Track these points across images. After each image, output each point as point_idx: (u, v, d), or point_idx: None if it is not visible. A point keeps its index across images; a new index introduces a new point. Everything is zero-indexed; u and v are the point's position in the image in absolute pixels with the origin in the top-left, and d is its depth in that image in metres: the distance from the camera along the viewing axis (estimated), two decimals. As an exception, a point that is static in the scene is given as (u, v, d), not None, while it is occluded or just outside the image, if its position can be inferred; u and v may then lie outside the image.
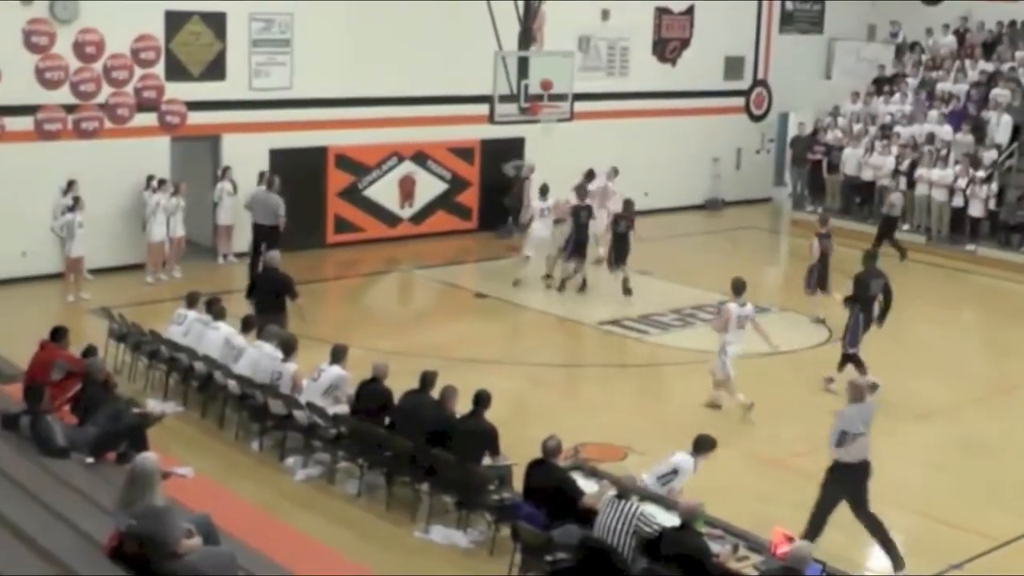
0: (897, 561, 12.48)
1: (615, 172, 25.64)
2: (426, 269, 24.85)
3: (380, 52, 25.70)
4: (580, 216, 23.12)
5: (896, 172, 29.00)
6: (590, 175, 24.57)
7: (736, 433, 16.49)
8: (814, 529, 12.52)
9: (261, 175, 23.52)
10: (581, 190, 23.58)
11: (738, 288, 17.21)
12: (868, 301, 18.22)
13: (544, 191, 23.93)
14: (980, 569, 12.55)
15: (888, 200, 28.02)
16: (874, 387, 16.24)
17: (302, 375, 14.86)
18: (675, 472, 12.75)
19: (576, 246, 23.19)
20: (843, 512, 14.04)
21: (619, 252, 22.86)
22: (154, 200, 22.63)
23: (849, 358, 17.99)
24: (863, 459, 12.59)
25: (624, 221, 22.99)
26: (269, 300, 17.67)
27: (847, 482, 12.58)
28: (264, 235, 22.57)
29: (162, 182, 22.80)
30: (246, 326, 16.33)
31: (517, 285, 23.58)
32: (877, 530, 12.60)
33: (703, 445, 12.78)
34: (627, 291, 22.81)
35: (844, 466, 12.55)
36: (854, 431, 12.52)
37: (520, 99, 26.69)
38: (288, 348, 15.21)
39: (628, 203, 23.25)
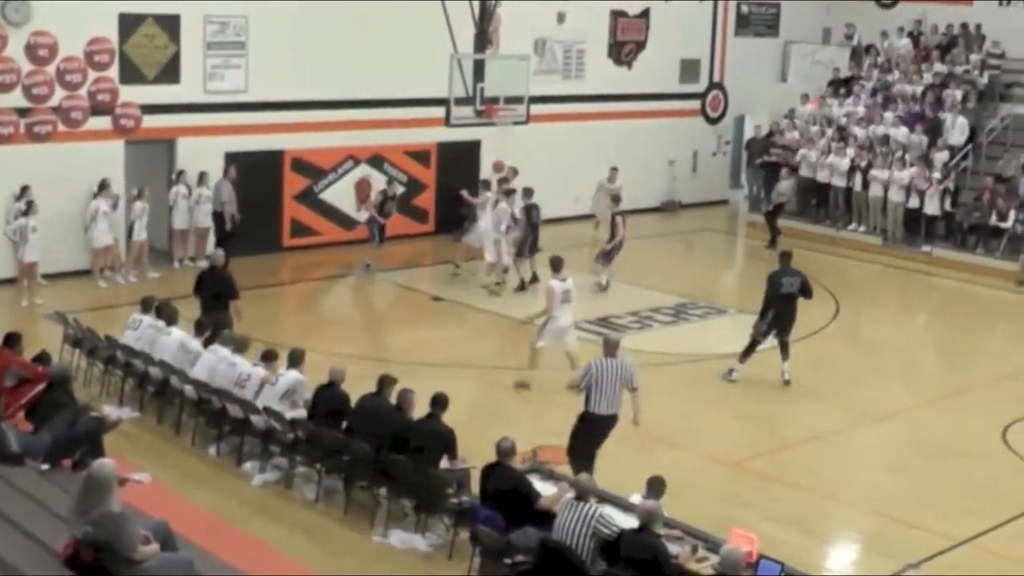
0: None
1: (614, 171, 27.28)
2: (382, 272, 24.74)
3: (336, 55, 25.61)
4: (532, 215, 23.60)
5: (853, 170, 29.17)
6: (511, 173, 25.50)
7: (695, 435, 16.58)
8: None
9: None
10: (503, 183, 24.70)
11: (556, 265, 18.30)
12: (782, 298, 18.45)
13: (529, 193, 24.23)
14: (937, 569, 12.58)
15: (776, 188, 29.43)
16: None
17: (269, 379, 14.80)
18: None
19: (532, 244, 23.66)
20: (802, 511, 14.14)
21: (533, 241, 23.71)
22: (93, 205, 22.44)
23: (751, 345, 18.66)
24: (613, 413, 13.91)
25: (535, 210, 23.65)
26: (212, 299, 17.78)
27: (595, 430, 13.85)
28: (218, 222, 23.89)
29: (103, 187, 22.56)
30: (199, 330, 16.31)
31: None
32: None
33: (658, 488, 11.81)
34: (535, 279, 23.48)
35: (596, 417, 13.84)
36: (608, 386, 13.79)
37: (476, 102, 26.63)
38: (267, 355, 15.32)
39: (529, 191, 24.00)
